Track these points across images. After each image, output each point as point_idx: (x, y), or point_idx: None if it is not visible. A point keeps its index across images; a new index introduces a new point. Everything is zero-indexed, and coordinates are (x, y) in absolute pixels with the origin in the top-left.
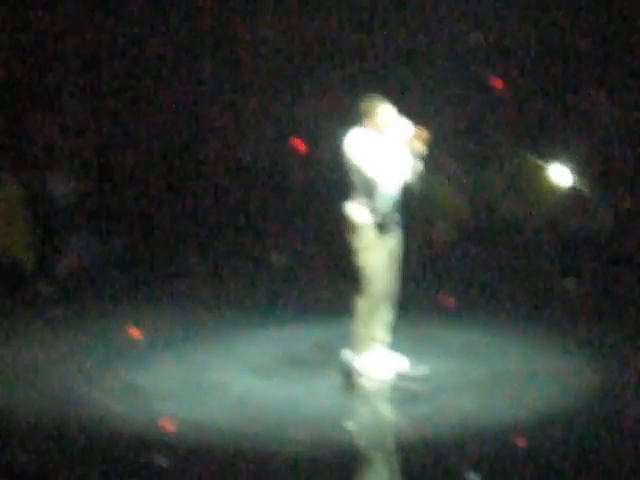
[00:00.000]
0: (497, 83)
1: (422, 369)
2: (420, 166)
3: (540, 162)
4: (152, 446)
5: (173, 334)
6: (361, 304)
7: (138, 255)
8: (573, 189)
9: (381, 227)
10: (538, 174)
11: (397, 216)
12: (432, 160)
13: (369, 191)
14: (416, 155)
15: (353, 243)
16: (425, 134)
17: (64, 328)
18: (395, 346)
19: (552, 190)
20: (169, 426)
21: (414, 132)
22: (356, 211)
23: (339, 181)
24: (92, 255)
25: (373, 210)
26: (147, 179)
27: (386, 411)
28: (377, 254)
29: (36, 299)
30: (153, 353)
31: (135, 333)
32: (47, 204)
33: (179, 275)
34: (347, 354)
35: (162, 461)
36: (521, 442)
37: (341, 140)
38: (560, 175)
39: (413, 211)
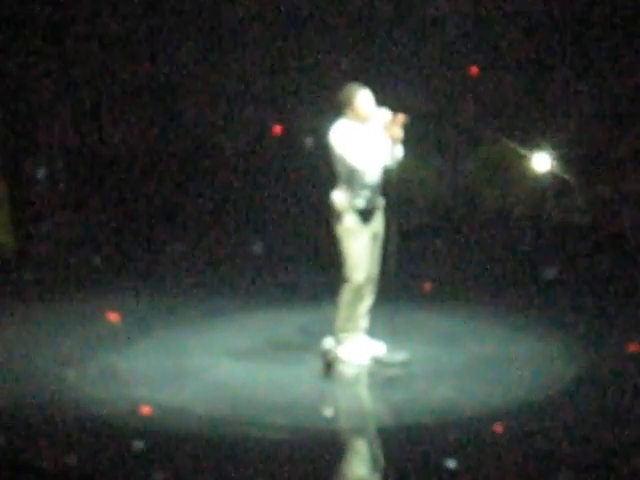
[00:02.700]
0: (474, 70)
1: (401, 355)
2: (400, 151)
3: (520, 149)
4: (130, 431)
5: (152, 319)
6: (344, 291)
7: (118, 240)
8: (553, 176)
9: (364, 213)
10: (518, 161)
11: (380, 201)
12: (412, 146)
13: (352, 179)
14: (395, 140)
15: (337, 230)
16: (402, 119)
17: (43, 313)
18: (374, 332)
19: (532, 177)
20: (148, 411)
21: (392, 117)
22: (339, 198)
23: (322, 167)
24: (71, 240)
25: (356, 197)
26: (126, 163)
27: (365, 397)
28: (360, 240)
29: (15, 284)
30: (132, 338)
31: (114, 318)
32: (26, 189)
33: (159, 260)
34: (328, 340)
35: (141, 446)
36: (499, 428)
37: (324, 128)
38: (540, 162)
39: (393, 196)
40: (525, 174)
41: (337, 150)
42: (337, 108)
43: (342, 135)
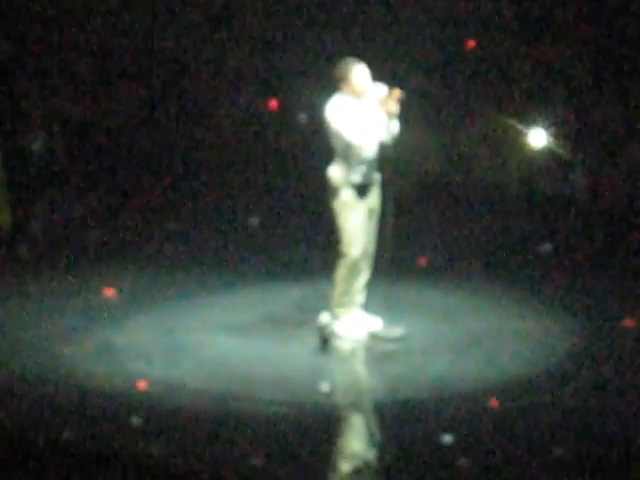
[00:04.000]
0: (471, 44)
1: (397, 330)
2: (396, 126)
3: (516, 124)
4: (126, 406)
5: (148, 294)
6: (340, 266)
7: (113, 215)
8: (549, 151)
9: (360, 189)
10: (514, 136)
11: (377, 176)
12: (408, 121)
13: (348, 154)
14: (391, 115)
15: (333, 205)
16: (398, 94)
17: (39, 289)
18: (370, 307)
19: (528, 152)
20: (144, 387)
21: (388, 92)
22: (336, 173)
23: (318, 142)
24: (67, 215)
25: (352, 172)
26: (122, 139)
27: (361, 372)
28: (356, 215)
29: (11, 260)
30: (128, 313)
31: (110, 293)
32: (22, 164)
33: (155, 235)
34: (324, 315)
35: (136, 422)
36: (494, 403)
37: (320, 102)
38: (536, 137)
39: (389, 170)
40: (521, 149)
41: (333, 125)
42: (333, 83)
43: (338, 110)
